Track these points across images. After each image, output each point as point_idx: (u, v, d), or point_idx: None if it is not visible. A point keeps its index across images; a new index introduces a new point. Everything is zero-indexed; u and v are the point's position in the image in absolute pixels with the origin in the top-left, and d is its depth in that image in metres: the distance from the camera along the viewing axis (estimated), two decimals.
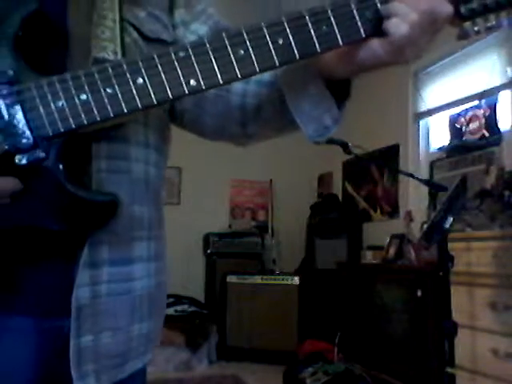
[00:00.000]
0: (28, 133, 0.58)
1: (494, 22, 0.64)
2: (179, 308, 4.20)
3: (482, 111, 3.26)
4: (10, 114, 0.58)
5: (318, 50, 0.59)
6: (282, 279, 4.30)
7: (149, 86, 0.58)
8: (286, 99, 0.71)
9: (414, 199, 3.89)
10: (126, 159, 0.69)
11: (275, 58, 0.59)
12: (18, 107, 0.58)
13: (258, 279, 4.34)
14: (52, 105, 0.58)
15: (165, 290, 0.82)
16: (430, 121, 3.94)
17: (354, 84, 0.72)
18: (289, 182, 5.45)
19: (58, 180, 0.59)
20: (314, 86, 0.68)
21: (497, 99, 3.17)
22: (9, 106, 0.58)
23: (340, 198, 5.00)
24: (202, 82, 0.59)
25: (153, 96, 0.58)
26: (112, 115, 0.59)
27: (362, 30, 0.61)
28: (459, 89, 3.55)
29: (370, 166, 4.54)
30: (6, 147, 0.57)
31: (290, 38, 0.59)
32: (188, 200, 5.17)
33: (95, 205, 0.62)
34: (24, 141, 0.58)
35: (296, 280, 4.25)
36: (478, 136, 3.27)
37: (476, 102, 3.33)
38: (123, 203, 0.65)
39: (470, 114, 3.36)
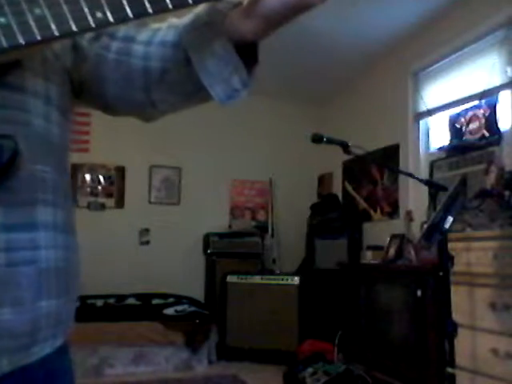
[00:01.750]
0: None
1: None
2: (179, 308, 4.20)
3: (481, 111, 3.25)
4: None
5: None
6: (282, 279, 4.30)
7: (48, 16, 0.52)
8: (192, 59, 0.67)
9: (414, 199, 3.89)
10: (23, 110, 0.62)
11: None
12: None
13: (257, 279, 4.34)
14: None
15: (77, 271, 0.71)
16: (430, 121, 3.94)
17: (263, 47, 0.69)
18: (289, 182, 5.45)
19: None
20: (221, 45, 0.65)
21: (497, 99, 3.17)
22: None
23: (340, 198, 5.00)
24: (109, 15, 0.53)
25: (53, 27, 0.52)
26: (6, 45, 0.52)
27: None
28: (459, 89, 3.55)
29: (369, 166, 4.54)
30: None
31: None
32: (188, 200, 5.17)
33: None
34: None
35: (296, 280, 4.25)
36: (478, 136, 3.27)
37: (476, 102, 3.33)
38: (22, 154, 0.57)
39: (469, 114, 3.36)
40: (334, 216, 4.65)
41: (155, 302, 4.38)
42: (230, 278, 4.38)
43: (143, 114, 0.81)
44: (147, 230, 5.01)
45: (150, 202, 5.07)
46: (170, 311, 4.12)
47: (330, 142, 2.33)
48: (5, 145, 0.55)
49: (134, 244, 4.96)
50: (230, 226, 5.25)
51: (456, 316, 1.98)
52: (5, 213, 0.58)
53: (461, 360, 2.27)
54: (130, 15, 0.53)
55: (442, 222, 1.92)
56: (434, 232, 1.94)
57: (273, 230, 5.34)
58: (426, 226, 2.07)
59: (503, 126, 3.12)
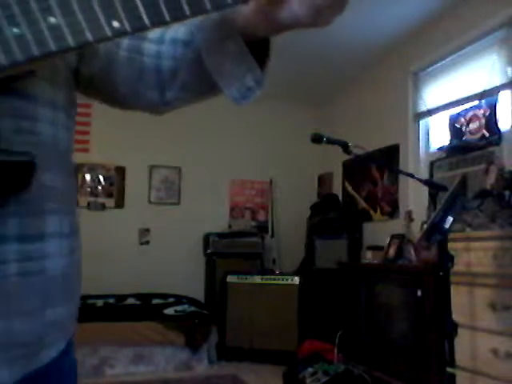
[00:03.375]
0: None
1: None
2: (179, 308, 4.21)
3: (481, 111, 3.25)
4: None
5: (229, 0, 0.53)
6: (282, 279, 4.30)
7: (63, 26, 0.50)
8: (204, 59, 0.66)
9: (414, 199, 3.89)
10: (33, 119, 0.61)
11: (206, 1, 0.52)
12: None
13: (257, 279, 4.34)
14: None
15: (79, 273, 0.72)
16: (430, 121, 3.94)
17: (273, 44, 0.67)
18: (289, 182, 5.45)
19: None
20: (234, 44, 0.64)
21: (497, 99, 3.17)
22: None
23: (340, 198, 5.00)
24: (126, 24, 0.51)
25: (69, 38, 0.50)
26: (21, 59, 0.50)
27: None
28: (459, 89, 3.55)
29: (369, 166, 4.54)
30: None
31: None
32: (188, 200, 5.17)
33: (10, 166, 0.53)
34: None
35: (296, 280, 4.25)
36: (478, 136, 3.27)
37: (476, 102, 3.33)
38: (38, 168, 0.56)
39: (470, 114, 3.36)
40: (333, 216, 4.65)
41: (155, 301, 4.38)
42: (229, 278, 4.38)
43: (155, 110, 0.81)
44: (147, 230, 5.01)
45: (150, 202, 5.07)
46: (169, 311, 4.12)
47: (330, 142, 2.34)
48: (25, 161, 0.54)
49: (134, 244, 4.96)
50: (230, 226, 5.25)
51: (456, 316, 1.98)
52: (19, 224, 0.59)
53: (461, 360, 2.27)
54: (148, 24, 0.52)
55: (442, 222, 1.92)
56: (434, 232, 1.94)
57: (273, 229, 5.34)
58: (426, 225, 2.07)
59: (503, 126, 3.12)
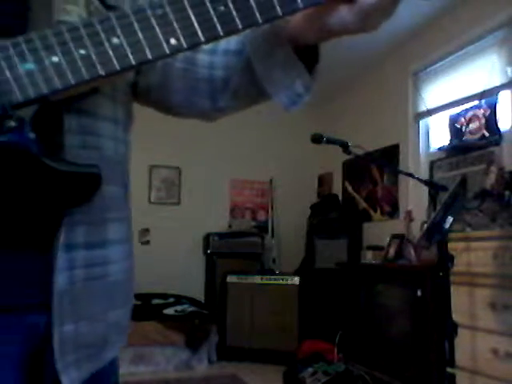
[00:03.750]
0: None
1: None
2: (179, 308, 4.21)
3: (481, 111, 3.25)
4: None
5: (280, 13, 0.56)
6: (282, 279, 4.30)
7: (125, 45, 0.53)
8: (255, 67, 0.68)
9: (414, 199, 3.89)
10: (97, 135, 0.66)
11: (257, 15, 0.55)
12: None
13: (257, 279, 4.34)
14: (19, 67, 0.52)
15: (134, 275, 0.79)
16: (430, 121, 3.94)
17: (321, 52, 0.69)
18: (289, 182, 5.45)
19: (33, 153, 0.53)
20: (283, 52, 0.66)
21: (497, 99, 3.17)
22: None
23: (340, 198, 5.00)
24: (182, 41, 0.54)
25: (130, 56, 0.53)
26: (87, 78, 0.53)
27: None
28: (459, 89, 3.55)
29: (370, 166, 4.54)
30: None
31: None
32: (188, 200, 5.18)
33: (78, 177, 0.57)
34: None
35: (296, 280, 4.25)
36: (478, 136, 3.27)
37: (476, 102, 3.33)
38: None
39: (470, 114, 3.36)
40: (334, 216, 4.66)
41: (155, 302, 4.38)
42: (229, 278, 4.38)
43: (208, 118, 0.85)
44: (147, 230, 5.01)
45: (150, 202, 5.07)
46: (169, 311, 4.12)
47: (330, 142, 2.34)
48: (93, 173, 0.57)
49: (134, 244, 4.95)
50: (230, 226, 5.25)
51: (456, 316, 1.98)
52: (85, 232, 0.63)
53: (461, 360, 2.27)
54: (202, 40, 0.55)
55: (442, 222, 1.92)
56: (434, 232, 1.95)
57: (273, 229, 5.34)
58: (426, 225, 2.07)
59: (503, 126, 3.12)
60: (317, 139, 2.33)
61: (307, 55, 0.68)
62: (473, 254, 2.42)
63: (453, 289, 2.04)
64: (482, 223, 2.56)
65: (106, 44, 0.53)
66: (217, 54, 0.74)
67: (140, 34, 0.53)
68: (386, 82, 4.45)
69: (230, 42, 0.73)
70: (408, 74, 4.10)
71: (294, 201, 5.38)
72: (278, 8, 0.55)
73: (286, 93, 0.68)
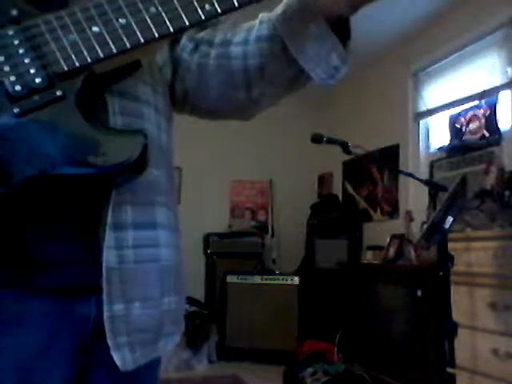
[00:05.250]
0: (41, 70, 0.54)
1: None
2: None
3: (481, 111, 3.25)
4: (18, 53, 0.53)
5: None
6: (282, 279, 4.30)
7: (163, 13, 0.55)
8: (289, 46, 0.69)
9: (414, 199, 3.89)
10: (140, 117, 0.66)
11: None
12: (26, 45, 0.54)
13: (257, 279, 4.34)
14: (63, 39, 0.54)
15: (183, 270, 0.75)
16: (430, 121, 3.94)
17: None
18: (289, 182, 5.45)
19: (82, 119, 0.54)
20: (316, 26, 0.66)
21: (497, 99, 3.17)
22: (16, 45, 0.53)
23: (340, 198, 5.00)
24: (217, 6, 0.56)
25: (168, 24, 0.55)
26: (129, 46, 0.55)
27: None
28: (459, 89, 3.55)
29: (370, 166, 4.54)
30: (19, 88, 0.53)
31: None
32: (188, 200, 5.16)
33: (127, 136, 0.57)
34: (38, 80, 0.53)
35: (296, 280, 4.25)
36: (478, 136, 3.27)
37: (476, 102, 3.33)
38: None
39: (469, 114, 3.36)
40: (333, 216, 4.65)
41: None
42: (229, 278, 4.38)
43: (244, 113, 0.84)
44: None
45: None
46: None
47: (330, 142, 2.34)
48: (139, 138, 0.57)
49: None
50: (230, 226, 5.25)
51: (456, 316, 1.98)
52: (132, 212, 0.63)
53: (461, 360, 2.27)
54: (236, 4, 0.56)
55: (442, 222, 1.92)
56: (434, 232, 1.95)
57: (273, 229, 5.34)
58: (425, 225, 2.08)
59: (503, 126, 3.12)
60: (317, 139, 2.34)
61: (340, 31, 0.68)
62: (473, 253, 2.42)
63: (453, 289, 2.04)
64: (482, 223, 2.56)
65: (144, 13, 0.55)
66: (249, 43, 0.74)
67: (176, 2, 0.55)
68: (386, 82, 4.45)
69: (261, 30, 0.73)
70: (408, 74, 4.10)
71: (294, 201, 5.38)
72: None
73: (323, 67, 0.68)
